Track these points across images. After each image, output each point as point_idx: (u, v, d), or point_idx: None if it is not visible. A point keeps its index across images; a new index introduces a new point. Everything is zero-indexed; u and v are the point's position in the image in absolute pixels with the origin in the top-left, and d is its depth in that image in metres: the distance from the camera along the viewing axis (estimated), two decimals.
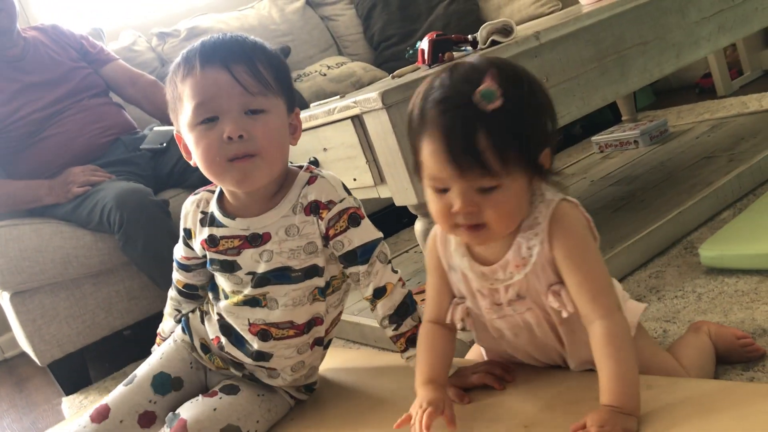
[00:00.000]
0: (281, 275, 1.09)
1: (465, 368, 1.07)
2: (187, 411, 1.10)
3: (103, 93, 2.31)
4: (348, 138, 1.36)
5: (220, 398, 1.13)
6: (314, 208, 1.08)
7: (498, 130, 0.84)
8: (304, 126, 1.46)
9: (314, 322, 1.14)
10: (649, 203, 1.74)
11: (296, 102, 1.13)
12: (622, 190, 1.94)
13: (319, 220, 1.08)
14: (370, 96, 1.23)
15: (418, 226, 1.31)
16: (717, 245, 1.38)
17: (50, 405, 2.11)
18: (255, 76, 1.03)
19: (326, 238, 1.09)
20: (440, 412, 0.92)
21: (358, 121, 1.32)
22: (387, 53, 3.18)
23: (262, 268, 1.09)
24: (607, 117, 3.08)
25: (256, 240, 1.09)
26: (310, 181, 1.11)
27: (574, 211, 0.93)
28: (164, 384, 1.18)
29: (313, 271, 1.10)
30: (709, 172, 1.82)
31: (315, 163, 1.49)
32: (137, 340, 2.36)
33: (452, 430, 0.92)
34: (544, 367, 1.04)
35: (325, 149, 1.45)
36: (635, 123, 2.51)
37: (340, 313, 1.22)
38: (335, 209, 1.08)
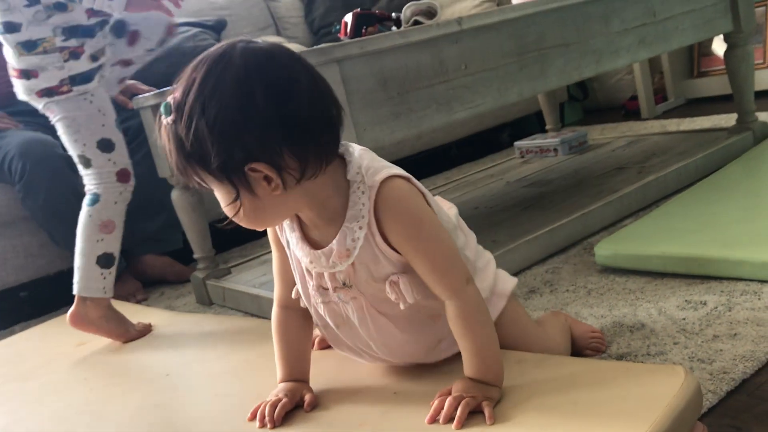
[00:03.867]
0: None
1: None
2: None
3: None
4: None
5: None
6: None
7: (174, 144, 0.79)
8: None
9: None
10: (556, 205, 1.77)
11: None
12: (533, 192, 1.97)
13: None
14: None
15: None
16: (611, 245, 1.42)
17: None
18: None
19: None
20: (293, 404, 0.92)
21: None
22: (326, 39, 3.16)
23: None
24: (535, 127, 3.14)
25: None
26: None
27: (401, 189, 0.85)
28: None
29: None
30: (618, 181, 1.86)
31: None
32: (33, 301, 2.27)
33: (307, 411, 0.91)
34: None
35: None
36: (557, 132, 2.56)
37: None
38: None
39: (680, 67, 3.20)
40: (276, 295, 0.98)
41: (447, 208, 0.97)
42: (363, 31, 1.39)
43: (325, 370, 1.00)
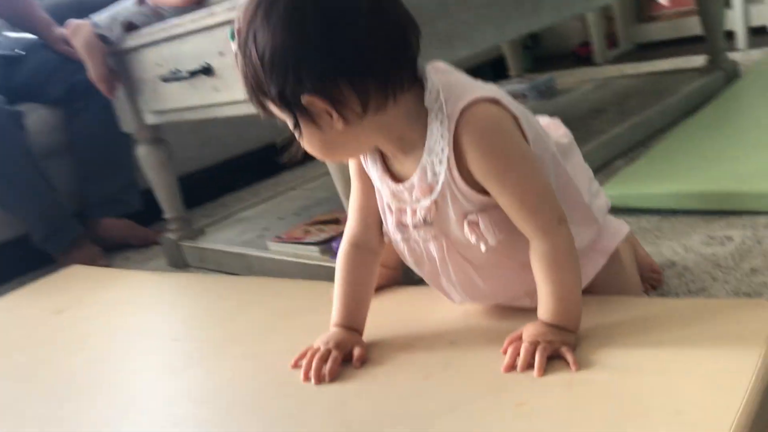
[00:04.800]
0: None
1: None
2: None
3: None
4: None
5: None
6: None
7: (240, 71, 0.76)
8: (197, 26, 1.31)
9: None
10: None
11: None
12: None
13: None
14: None
15: None
16: (619, 185, 1.39)
17: None
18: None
19: None
20: (342, 357, 0.85)
21: None
22: None
23: None
24: (489, 76, 3.10)
25: None
26: None
27: (485, 117, 0.75)
28: None
29: None
30: (601, 122, 1.83)
31: (207, 70, 1.34)
32: None
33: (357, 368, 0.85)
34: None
35: (221, 53, 1.29)
36: (521, 78, 2.52)
37: None
38: None
39: (630, 12, 3.20)
40: (348, 230, 0.91)
41: (560, 135, 0.90)
42: None
43: (371, 318, 0.92)
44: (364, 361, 0.86)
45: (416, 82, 0.77)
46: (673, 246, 1.18)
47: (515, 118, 0.78)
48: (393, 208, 0.84)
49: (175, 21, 1.37)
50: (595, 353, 0.76)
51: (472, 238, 0.80)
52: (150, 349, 1.07)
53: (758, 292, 0.98)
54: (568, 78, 2.66)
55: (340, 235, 1.38)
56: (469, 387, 0.75)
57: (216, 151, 2.43)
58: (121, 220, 2.04)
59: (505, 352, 0.79)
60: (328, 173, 2.19)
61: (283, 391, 0.83)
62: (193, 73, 1.35)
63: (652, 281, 1.06)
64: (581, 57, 3.23)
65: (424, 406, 0.74)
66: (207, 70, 1.34)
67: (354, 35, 0.72)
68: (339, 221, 1.47)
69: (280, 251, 1.46)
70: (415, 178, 0.79)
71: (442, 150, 0.76)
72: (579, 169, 0.90)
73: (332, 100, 0.73)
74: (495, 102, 0.76)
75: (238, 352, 0.97)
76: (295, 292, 1.16)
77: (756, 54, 2.41)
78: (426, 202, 0.80)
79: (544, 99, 2.32)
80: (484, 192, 0.78)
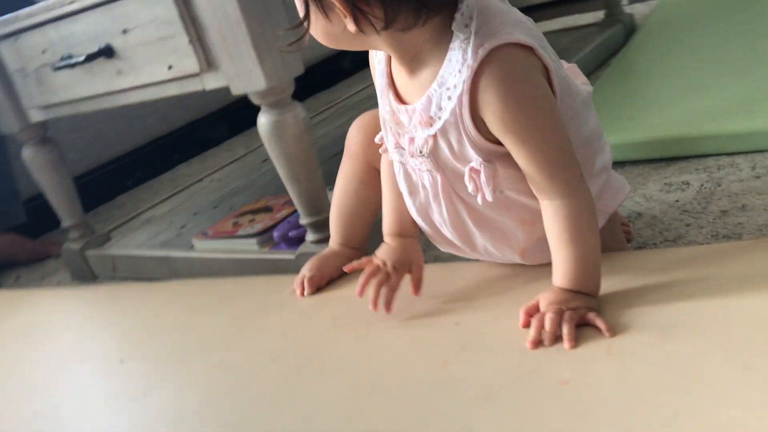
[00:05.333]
0: None
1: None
2: None
3: None
4: (162, 12, 1.06)
5: None
6: None
7: None
8: (92, 1, 1.14)
9: None
10: None
11: None
12: None
13: None
14: None
15: (264, 119, 1.07)
16: None
17: None
18: None
19: None
20: (400, 279, 0.83)
21: None
22: None
23: None
24: None
25: None
26: None
27: (517, 64, 0.67)
28: None
29: None
30: None
31: (107, 51, 1.17)
32: None
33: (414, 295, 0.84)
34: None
35: (125, 31, 1.13)
36: None
37: None
38: None
39: None
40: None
41: (582, 83, 0.82)
42: None
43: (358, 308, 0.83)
44: (419, 287, 0.84)
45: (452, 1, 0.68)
46: (633, 197, 1.15)
47: (547, 70, 0.70)
48: (392, 129, 0.78)
49: None
50: (623, 315, 0.70)
51: (470, 187, 0.73)
52: (95, 375, 0.91)
53: (737, 233, 0.96)
54: None
55: (277, 223, 1.27)
56: (499, 370, 0.67)
57: (102, 149, 2.22)
58: (5, 235, 1.80)
59: (525, 326, 0.71)
60: (232, 161, 2.04)
61: (280, 405, 0.72)
62: (91, 57, 1.18)
63: (625, 235, 1.03)
64: None
65: (455, 399, 0.65)
66: (108, 52, 1.17)
67: None
68: (271, 209, 1.35)
69: (209, 249, 1.32)
70: (418, 104, 0.72)
71: (455, 86, 0.68)
72: (594, 122, 0.83)
73: (353, 5, 0.65)
74: (530, 49, 0.68)
75: (205, 364, 0.84)
76: (247, 291, 1.04)
77: (640, 7, 2.46)
78: (424, 134, 0.73)
79: None
80: (494, 140, 0.70)
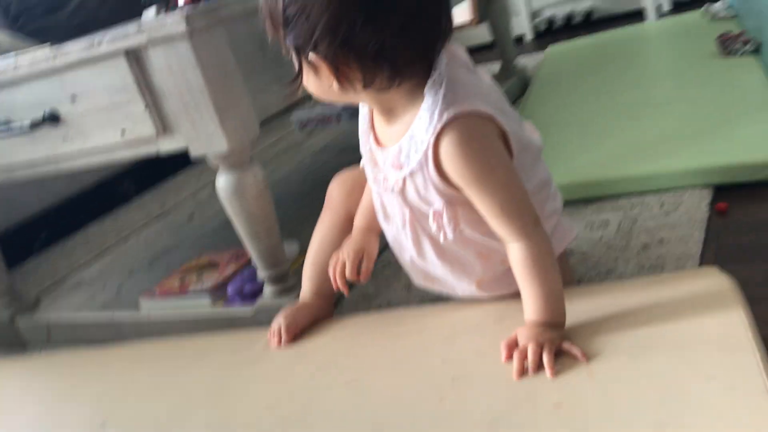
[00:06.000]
0: None
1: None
2: None
3: None
4: (116, 79, 1.09)
5: None
6: None
7: None
8: (39, 69, 1.15)
9: None
10: None
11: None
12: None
13: None
14: (166, 20, 1.00)
15: (223, 181, 1.11)
16: None
17: None
18: None
19: None
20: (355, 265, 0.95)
21: (133, 56, 1.06)
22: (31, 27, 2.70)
23: None
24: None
25: None
26: None
27: (472, 132, 0.77)
28: None
29: None
30: None
31: (53, 118, 1.17)
32: None
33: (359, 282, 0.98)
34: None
35: (74, 97, 1.14)
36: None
37: None
38: None
39: None
40: None
41: (536, 138, 0.91)
42: None
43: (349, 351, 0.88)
44: (368, 276, 0.97)
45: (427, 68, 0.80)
46: None
47: (504, 134, 0.80)
48: (369, 160, 0.89)
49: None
50: (592, 342, 0.79)
51: (433, 227, 0.85)
52: None
53: (659, 264, 1.09)
54: None
55: (228, 279, 1.30)
56: (494, 400, 0.75)
57: (9, 212, 2.13)
58: None
59: (507, 359, 0.79)
60: (157, 219, 2.03)
61: None
62: (35, 124, 1.18)
63: None
64: None
65: (460, 427, 0.72)
66: (53, 118, 1.17)
67: (384, 25, 0.73)
68: (217, 264, 1.38)
69: (156, 308, 1.33)
70: (392, 150, 0.83)
71: (422, 141, 0.79)
72: (544, 171, 0.94)
73: (336, 70, 0.76)
74: (490, 119, 0.78)
75: (195, 423, 0.86)
76: (216, 347, 1.06)
77: (525, 59, 2.67)
78: (395, 175, 0.84)
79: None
80: (456, 186, 0.80)
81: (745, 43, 1.80)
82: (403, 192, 0.85)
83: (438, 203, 0.83)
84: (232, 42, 1.08)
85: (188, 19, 0.99)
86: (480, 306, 0.93)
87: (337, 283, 0.96)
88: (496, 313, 0.91)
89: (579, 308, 0.86)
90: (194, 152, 1.10)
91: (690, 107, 1.56)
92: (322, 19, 0.73)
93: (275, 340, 1.00)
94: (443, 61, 0.79)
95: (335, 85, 0.78)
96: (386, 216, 0.92)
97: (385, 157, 0.85)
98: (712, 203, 1.23)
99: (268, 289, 1.19)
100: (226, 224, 1.18)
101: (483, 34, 2.95)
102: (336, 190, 1.05)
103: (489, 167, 0.78)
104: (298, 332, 1.01)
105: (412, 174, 0.82)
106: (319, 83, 0.80)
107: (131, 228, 1.92)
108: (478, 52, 3.04)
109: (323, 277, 1.02)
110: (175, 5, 1.19)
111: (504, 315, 0.90)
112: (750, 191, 1.24)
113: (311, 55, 0.76)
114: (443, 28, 0.77)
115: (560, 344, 0.79)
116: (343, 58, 0.75)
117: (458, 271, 0.90)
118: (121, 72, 1.08)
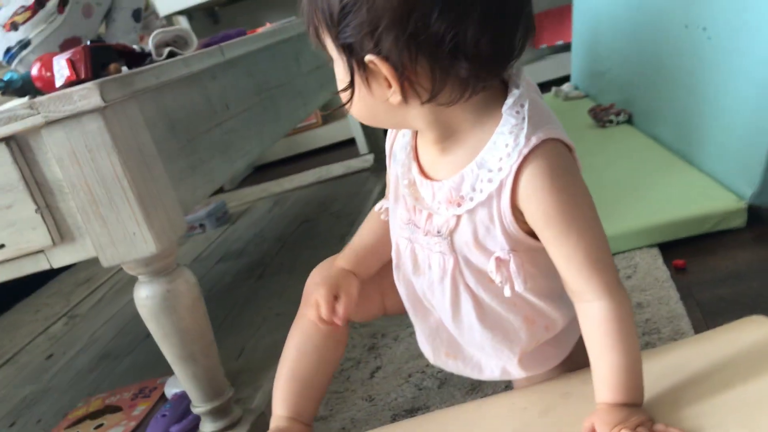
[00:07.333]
0: None
1: None
2: None
3: None
4: None
5: None
6: None
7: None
8: None
9: None
10: (300, 263, 1.58)
11: None
12: (242, 263, 1.72)
13: None
14: (72, 92, 0.78)
15: (147, 292, 0.88)
16: None
17: None
18: None
19: None
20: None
21: (16, 144, 0.82)
22: None
23: None
24: None
25: None
26: None
27: (565, 159, 0.65)
28: None
29: None
30: (331, 226, 1.77)
31: None
32: None
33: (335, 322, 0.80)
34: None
35: None
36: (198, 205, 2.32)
37: None
38: None
39: None
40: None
41: None
42: (105, 68, 1.00)
43: None
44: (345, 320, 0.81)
45: (499, 83, 0.66)
46: None
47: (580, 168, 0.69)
48: (408, 203, 0.74)
49: None
50: (680, 417, 0.66)
51: (497, 277, 0.69)
52: None
53: (657, 329, 1.00)
54: (235, 200, 2.49)
55: (141, 422, 1.03)
56: None
57: None
58: None
59: None
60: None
61: None
62: None
63: None
64: None
65: None
66: None
67: (464, 15, 0.59)
68: (120, 408, 1.10)
69: None
70: (448, 182, 0.68)
71: (500, 169, 0.64)
72: None
73: (401, 75, 0.61)
74: (571, 149, 0.67)
75: None
76: None
77: None
78: (448, 213, 0.69)
79: (223, 225, 2.15)
80: (527, 231, 0.67)
81: (617, 114, 1.86)
82: (452, 234, 0.69)
83: (501, 249, 0.68)
84: (146, 120, 0.88)
85: (103, 90, 0.78)
86: (509, 397, 0.78)
87: (325, 322, 0.80)
88: (533, 407, 0.75)
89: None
90: (107, 261, 0.85)
91: (601, 175, 1.51)
92: (390, 6, 0.58)
93: None
94: (525, 77, 0.67)
95: (395, 96, 0.63)
96: (416, 267, 0.75)
97: (436, 191, 0.70)
98: (666, 262, 1.18)
99: (207, 427, 0.94)
100: (104, 355, 0.93)
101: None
102: (315, 285, 0.84)
103: (577, 204, 0.65)
104: None
105: (474, 211, 0.67)
106: (369, 98, 0.65)
107: None
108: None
109: (303, 396, 0.82)
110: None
111: (549, 406, 0.74)
112: (697, 245, 1.22)
113: (369, 57, 0.61)
114: (527, 27, 0.64)
115: (653, 427, 0.65)
116: (410, 58, 0.60)
117: (500, 338, 0.75)
118: (2, 166, 0.83)
